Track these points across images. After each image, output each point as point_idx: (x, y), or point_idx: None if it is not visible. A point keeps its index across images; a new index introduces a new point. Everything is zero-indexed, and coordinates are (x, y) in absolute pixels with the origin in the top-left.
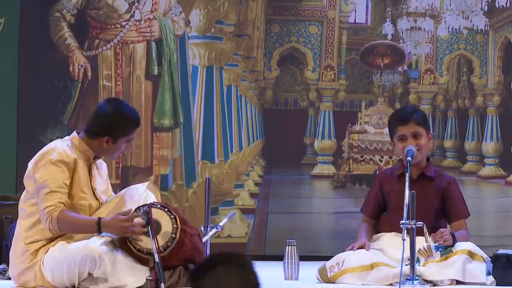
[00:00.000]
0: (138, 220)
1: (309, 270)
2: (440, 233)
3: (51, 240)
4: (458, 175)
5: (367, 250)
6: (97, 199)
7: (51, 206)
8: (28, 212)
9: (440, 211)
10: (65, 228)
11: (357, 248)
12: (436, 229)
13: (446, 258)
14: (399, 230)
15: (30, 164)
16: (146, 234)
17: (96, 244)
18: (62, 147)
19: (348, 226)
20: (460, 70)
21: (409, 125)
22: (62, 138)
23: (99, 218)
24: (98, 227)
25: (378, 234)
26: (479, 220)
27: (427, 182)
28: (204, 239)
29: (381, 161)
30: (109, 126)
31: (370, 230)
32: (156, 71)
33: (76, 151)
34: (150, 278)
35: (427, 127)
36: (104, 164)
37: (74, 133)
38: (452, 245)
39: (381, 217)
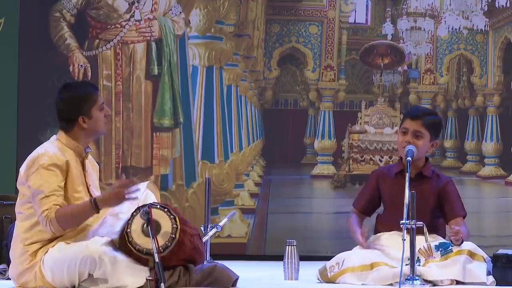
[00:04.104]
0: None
1: (309, 270)
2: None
3: (50, 240)
4: (458, 175)
5: (364, 245)
6: (90, 195)
7: (47, 209)
8: (26, 214)
9: (437, 211)
10: (66, 223)
11: (361, 238)
12: (433, 228)
13: (446, 258)
14: (397, 229)
15: (22, 170)
16: (146, 234)
17: (96, 245)
18: (53, 150)
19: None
20: (460, 70)
21: (416, 122)
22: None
23: (93, 198)
24: (95, 206)
25: (378, 234)
26: (479, 220)
27: (424, 181)
28: (204, 239)
29: (381, 161)
30: (75, 106)
31: (360, 221)
32: (156, 71)
33: (67, 150)
34: (150, 278)
35: (433, 133)
36: (96, 163)
37: (60, 132)
38: (459, 245)
39: (377, 217)
